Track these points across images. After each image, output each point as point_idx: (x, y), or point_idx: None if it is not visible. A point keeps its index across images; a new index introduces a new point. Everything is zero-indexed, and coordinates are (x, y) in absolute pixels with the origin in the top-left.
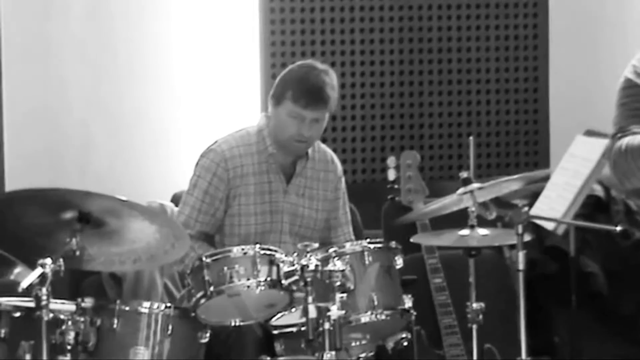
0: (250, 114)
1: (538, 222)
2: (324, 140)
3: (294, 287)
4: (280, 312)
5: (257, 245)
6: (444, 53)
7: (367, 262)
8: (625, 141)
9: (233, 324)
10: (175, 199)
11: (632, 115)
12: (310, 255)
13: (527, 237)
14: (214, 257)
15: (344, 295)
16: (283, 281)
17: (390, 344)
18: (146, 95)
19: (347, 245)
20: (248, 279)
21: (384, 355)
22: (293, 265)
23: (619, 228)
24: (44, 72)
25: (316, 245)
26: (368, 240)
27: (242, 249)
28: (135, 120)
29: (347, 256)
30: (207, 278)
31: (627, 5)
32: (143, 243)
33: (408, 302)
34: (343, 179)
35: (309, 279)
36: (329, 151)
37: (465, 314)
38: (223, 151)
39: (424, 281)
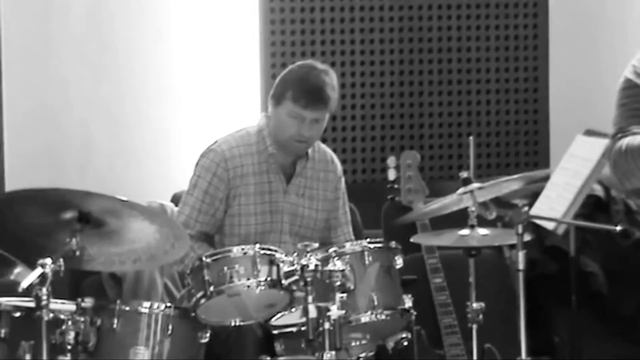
0: (250, 114)
1: (538, 222)
2: (324, 140)
3: (294, 287)
4: (280, 312)
5: (257, 245)
6: (444, 53)
7: (367, 262)
8: (626, 141)
9: (233, 323)
10: (175, 199)
11: (632, 116)
12: (310, 255)
13: (527, 237)
14: (214, 257)
15: (344, 295)
16: (283, 281)
17: (390, 344)
18: (146, 95)
19: (347, 245)
20: (248, 279)
21: (384, 355)
22: (293, 265)
23: (619, 228)
24: (44, 72)
25: (316, 245)
26: (368, 240)
27: (242, 249)
28: (135, 120)
29: (347, 256)
30: (207, 278)
31: (627, 5)
32: (143, 243)
33: (408, 302)
34: (343, 179)
35: (309, 279)
36: (329, 151)
37: (466, 314)
38: (223, 151)
39: (424, 281)
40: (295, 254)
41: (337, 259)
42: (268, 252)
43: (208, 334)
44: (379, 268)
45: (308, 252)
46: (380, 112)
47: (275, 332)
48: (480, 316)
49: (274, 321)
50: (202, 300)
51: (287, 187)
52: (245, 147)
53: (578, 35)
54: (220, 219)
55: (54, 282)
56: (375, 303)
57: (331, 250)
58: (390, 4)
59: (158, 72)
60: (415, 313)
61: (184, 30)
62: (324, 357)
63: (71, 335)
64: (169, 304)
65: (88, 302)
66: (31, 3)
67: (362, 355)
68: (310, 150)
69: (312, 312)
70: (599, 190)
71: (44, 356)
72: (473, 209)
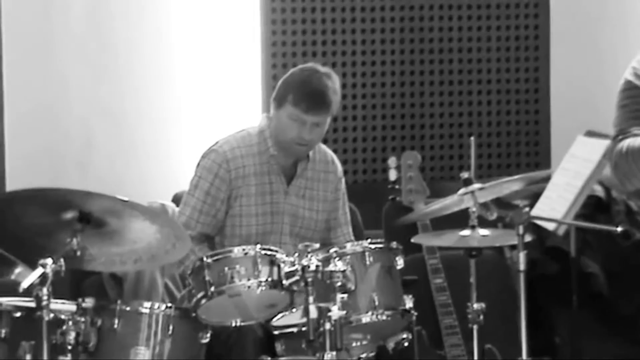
0: (251, 114)
1: (539, 222)
2: (324, 141)
3: (295, 288)
4: (281, 312)
5: (258, 246)
6: (445, 53)
7: (368, 262)
8: (626, 143)
9: (234, 324)
10: (176, 199)
11: (633, 117)
12: (311, 256)
13: (527, 238)
14: (215, 258)
15: (345, 295)
16: (284, 281)
17: (391, 344)
18: (147, 95)
19: (348, 245)
20: (249, 279)
21: (384, 356)
22: (294, 265)
23: (619, 229)
24: (44, 71)
25: (317, 245)
26: (369, 240)
27: (243, 249)
28: (136, 121)
29: (348, 257)
30: (207, 278)
31: (628, 6)
32: (144, 243)
33: (409, 303)
34: (343, 180)
35: (309, 280)
36: (330, 152)
37: (466, 315)
38: (225, 152)
39: (424, 281)
40: (296, 255)
41: (338, 260)
42: (269, 252)
43: (209, 334)
44: (380, 268)
45: (309, 252)
46: (381, 112)
47: (276, 332)
48: (481, 317)
49: (274, 321)
50: (203, 301)
51: (287, 189)
52: (247, 148)
53: (579, 35)
54: (222, 220)
55: (54, 282)
56: (376, 303)
57: (332, 250)
58: (391, 5)
59: (159, 72)
60: (416, 313)
61: (185, 30)
62: (325, 358)
63: (72, 336)
64: (169, 304)
65: (89, 303)
66: (32, 3)
67: (363, 355)
68: (310, 152)
69: (313, 313)
70: (599, 191)
71: (45, 356)
72: (474, 209)
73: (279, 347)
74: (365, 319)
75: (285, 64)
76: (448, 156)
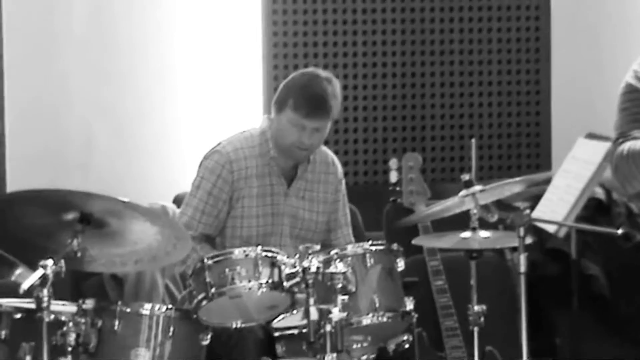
0: (253, 116)
1: (539, 224)
2: (325, 142)
3: (296, 289)
4: (281, 314)
5: (259, 247)
6: (446, 55)
7: (368, 264)
8: (627, 146)
9: (234, 325)
10: (177, 201)
11: (634, 120)
12: (312, 258)
13: (528, 240)
14: (216, 259)
15: (346, 297)
16: (284, 283)
17: (391, 346)
18: (148, 96)
19: (349, 247)
20: (249, 281)
21: (385, 357)
22: (295, 267)
23: (620, 231)
24: (46, 71)
25: (318, 247)
26: (370, 242)
27: (244, 251)
28: (137, 122)
29: (349, 258)
30: (208, 280)
31: (628, 8)
32: (144, 244)
33: (409, 304)
34: (344, 181)
35: (310, 281)
36: (330, 153)
37: (467, 316)
38: (228, 153)
39: (425, 283)
40: (297, 256)
41: (339, 261)
42: (270, 254)
43: (209, 336)
44: (381, 270)
45: (310, 254)
46: (382, 114)
47: (276, 334)
48: (482, 318)
49: (275, 323)
50: (204, 302)
51: (287, 190)
52: (249, 149)
53: (580, 38)
54: (223, 221)
55: (55, 284)
56: (377, 305)
57: (333, 252)
58: (392, 7)
59: (160, 73)
60: (416, 315)
61: (186, 31)
62: (325, 359)
63: (72, 337)
64: (170, 306)
65: (89, 304)
66: (34, 3)
67: (364, 357)
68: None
69: (314, 314)
70: (600, 193)
71: (45, 357)
72: (475, 211)
73: (279, 348)
74: (366, 320)
75: (287, 65)
76: (449, 158)
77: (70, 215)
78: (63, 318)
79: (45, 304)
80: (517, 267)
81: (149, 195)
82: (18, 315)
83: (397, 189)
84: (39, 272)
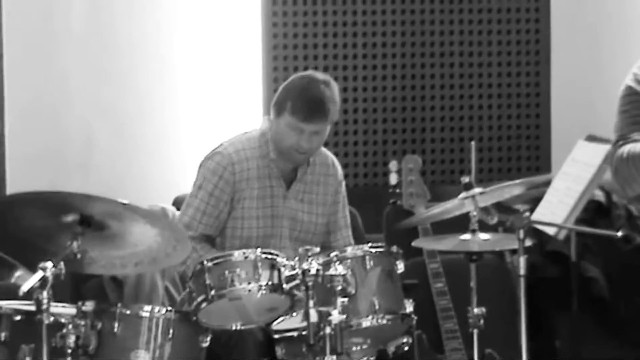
0: (253, 117)
1: (539, 227)
2: (325, 145)
3: (295, 291)
4: (281, 316)
5: (259, 250)
6: (446, 57)
7: (368, 266)
8: (627, 148)
9: (234, 327)
10: (177, 203)
11: (633, 123)
12: (312, 260)
13: (528, 242)
14: (215, 261)
15: (345, 299)
16: (284, 285)
17: (391, 349)
18: (148, 97)
19: (349, 249)
20: (249, 283)
21: None
22: (294, 269)
23: (620, 233)
24: (46, 71)
25: (317, 249)
26: (369, 244)
27: (244, 253)
28: (137, 123)
29: (349, 260)
30: (208, 282)
31: (629, 10)
32: (144, 246)
33: (409, 307)
34: (343, 183)
35: (310, 283)
36: (330, 155)
37: (467, 319)
38: (230, 154)
39: (425, 286)
40: (297, 259)
41: (339, 264)
42: (269, 256)
43: (209, 338)
44: (380, 272)
45: (309, 256)
46: (382, 116)
47: (276, 336)
48: (482, 321)
49: (275, 325)
50: (203, 304)
51: (286, 192)
52: (251, 151)
53: (579, 40)
54: (224, 222)
55: (54, 286)
56: (377, 307)
57: (332, 254)
58: (392, 9)
59: (160, 75)
60: (416, 318)
61: (186, 33)
62: None
63: (72, 339)
64: (169, 308)
65: (89, 306)
66: (33, 2)
67: (363, 359)
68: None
69: (313, 317)
70: (600, 196)
71: (45, 359)
72: (474, 213)
73: (279, 350)
74: (366, 323)
75: (287, 67)
76: (449, 160)
77: (70, 218)
78: (63, 320)
79: (45, 306)
80: (517, 270)
81: (149, 197)
82: (18, 318)
83: (397, 191)
84: (39, 274)
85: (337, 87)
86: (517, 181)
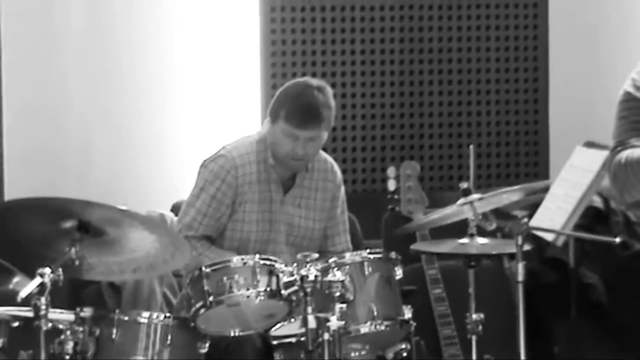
0: (251, 123)
1: (537, 233)
2: (324, 150)
3: (294, 298)
4: (279, 322)
5: (257, 256)
6: (444, 63)
7: (366, 272)
8: (625, 154)
9: (232, 334)
10: (175, 209)
11: (632, 129)
12: (310, 266)
13: (526, 248)
14: (214, 267)
15: (344, 305)
16: (282, 291)
17: (389, 355)
18: (147, 104)
19: (347, 255)
20: (247, 289)
21: None
22: (293, 275)
23: (618, 239)
24: (45, 71)
25: (316, 255)
26: (368, 250)
27: (242, 259)
28: (135, 130)
29: (347, 266)
30: (206, 288)
31: (628, 14)
32: (142, 252)
33: (408, 313)
34: (342, 188)
35: (308, 290)
36: (330, 160)
37: (465, 325)
38: (234, 158)
39: (423, 292)
40: (295, 265)
41: (337, 270)
42: (268, 262)
43: (207, 344)
44: (379, 278)
45: (308, 262)
46: (381, 122)
47: (274, 342)
48: (480, 327)
49: (273, 331)
50: (202, 310)
51: (283, 198)
52: (254, 154)
53: (578, 45)
54: (225, 224)
55: (52, 292)
56: (375, 314)
57: (331, 260)
58: (391, 15)
59: (160, 81)
60: (414, 324)
61: (185, 39)
62: None
63: (70, 345)
64: (168, 314)
65: (87, 312)
66: (33, 2)
67: None
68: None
69: (312, 323)
70: (598, 202)
71: None
72: (473, 219)
73: (277, 357)
74: (364, 329)
75: (285, 73)
76: (447, 166)
77: (69, 224)
78: (61, 326)
79: (43, 312)
80: (515, 276)
81: (148, 202)
82: (16, 324)
83: (395, 197)
84: (37, 280)
85: (332, 92)
86: (516, 187)
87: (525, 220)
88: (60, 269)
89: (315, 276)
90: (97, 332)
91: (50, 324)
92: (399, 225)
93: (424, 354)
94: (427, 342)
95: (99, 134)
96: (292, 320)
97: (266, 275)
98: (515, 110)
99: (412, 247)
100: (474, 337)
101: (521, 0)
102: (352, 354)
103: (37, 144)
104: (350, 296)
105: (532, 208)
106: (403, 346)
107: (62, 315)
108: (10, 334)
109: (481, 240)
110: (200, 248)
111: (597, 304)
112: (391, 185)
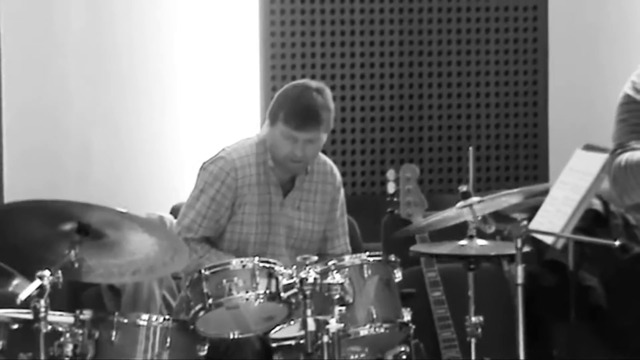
0: (250, 125)
1: (537, 236)
2: (323, 153)
3: (293, 300)
4: (279, 324)
5: (256, 258)
6: (444, 66)
7: (366, 275)
8: (625, 157)
9: (232, 336)
10: (174, 211)
11: (632, 131)
12: (309, 268)
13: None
14: (213, 270)
15: (343, 308)
16: (282, 294)
17: (389, 358)
18: (146, 106)
19: (346, 258)
20: (247, 292)
21: None
22: (292, 278)
23: (617, 242)
24: (44, 72)
25: (315, 258)
26: (367, 253)
27: (241, 262)
28: (134, 132)
29: (346, 269)
30: (205, 290)
31: (629, 16)
32: (142, 255)
33: (407, 316)
34: (342, 190)
35: (307, 292)
36: (329, 162)
37: (464, 328)
38: (234, 160)
39: (423, 294)
40: (294, 267)
41: (336, 272)
42: (267, 264)
43: (206, 347)
44: (378, 281)
45: (307, 265)
46: (380, 125)
47: (274, 344)
48: (479, 330)
49: (272, 334)
50: (201, 313)
51: (283, 200)
52: (254, 156)
53: (578, 47)
54: (224, 226)
55: (52, 294)
56: (374, 316)
57: (330, 263)
58: (390, 18)
59: (161, 80)
60: (414, 326)
61: (184, 41)
62: None
63: (69, 348)
64: (167, 316)
65: (86, 314)
66: (32, 2)
67: None
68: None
69: (311, 325)
70: (597, 205)
71: None
72: (472, 222)
73: (276, 359)
74: (363, 331)
75: (285, 76)
76: (446, 169)
77: (68, 226)
78: (60, 329)
79: (42, 315)
80: (515, 279)
81: (147, 205)
82: (15, 326)
83: (395, 200)
84: (37, 282)
85: (331, 94)
86: (515, 190)
87: (525, 223)
88: (59, 272)
89: (315, 279)
90: (97, 334)
91: (49, 327)
92: (398, 228)
93: (423, 356)
94: (427, 344)
95: (98, 134)
96: (292, 322)
97: (265, 277)
98: (515, 113)
99: (412, 248)
100: (473, 340)
101: (521, 2)
102: (352, 357)
103: (36, 144)
104: (349, 299)
105: (532, 211)
106: (402, 349)
107: (61, 318)
108: (9, 336)
109: (480, 242)
110: (200, 251)
111: (597, 307)
112: (390, 187)
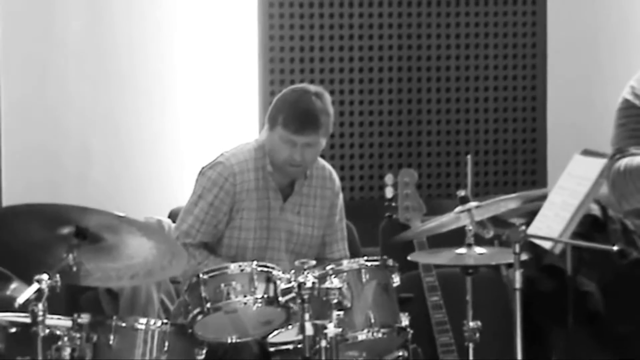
0: (249, 131)
1: (535, 241)
2: (321, 157)
3: (291, 304)
4: (277, 329)
5: (255, 262)
6: (442, 71)
7: (364, 279)
8: (624, 162)
9: (230, 340)
10: (173, 215)
11: (631, 136)
12: (308, 273)
13: (524, 256)
14: (211, 274)
15: (341, 312)
16: (280, 298)
17: None
18: (145, 110)
19: (345, 262)
20: (245, 296)
21: None
22: (290, 282)
23: (616, 247)
24: (44, 72)
25: (313, 262)
26: (365, 258)
27: (239, 266)
28: (133, 136)
29: (345, 274)
30: (204, 294)
31: (630, 19)
32: (140, 259)
33: (405, 320)
34: (341, 195)
35: (306, 296)
36: (328, 167)
37: (462, 333)
38: (232, 165)
39: (421, 299)
40: (293, 272)
41: (335, 277)
42: (265, 269)
43: (204, 351)
44: (376, 286)
45: (305, 269)
46: (378, 129)
47: (271, 349)
48: (477, 335)
49: (270, 338)
50: (199, 317)
51: (283, 205)
52: (252, 161)
53: (576, 54)
54: (222, 231)
55: (50, 298)
56: (372, 321)
57: (328, 267)
58: (389, 22)
59: (161, 80)
60: (411, 331)
61: (183, 45)
62: None
63: (67, 351)
64: (165, 320)
65: (84, 318)
66: (32, 2)
67: None
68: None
69: (309, 330)
70: (596, 210)
71: None
72: (470, 227)
73: None
74: (361, 336)
75: (283, 80)
76: (445, 174)
77: (66, 230)
78: (58, 332)
79: (40, 318)
80: (513, 283)
81: (146, 209)
82: (13, 330)
83: (393, 204)
84: (34, 286)
85: (330, 99)
86: (513, 195)
87: (523, 228)
88: (57, 275)
89: (313, 283)
90: (95, 338)
91: (47, 330)
92: (396, 233)
93: None
94: (425, 349)
95: (98, 134)
96: (290, 327)
97: (264, 282)
98: (513, 118)
99: (410, 257)
100: (471, 345)
101: (519, 8)
102: None
103: (36, 143)
104: (347, 303)
105: (530, 216)
106: (400, 354)
107: (59, 322)
108: (7, 340)
109: (479, 249)
110: (199, 257)
111: (595, 312)
112: (389, 192)
